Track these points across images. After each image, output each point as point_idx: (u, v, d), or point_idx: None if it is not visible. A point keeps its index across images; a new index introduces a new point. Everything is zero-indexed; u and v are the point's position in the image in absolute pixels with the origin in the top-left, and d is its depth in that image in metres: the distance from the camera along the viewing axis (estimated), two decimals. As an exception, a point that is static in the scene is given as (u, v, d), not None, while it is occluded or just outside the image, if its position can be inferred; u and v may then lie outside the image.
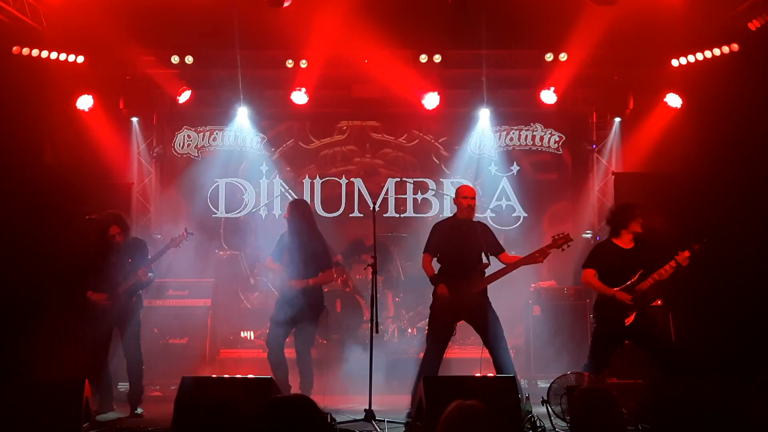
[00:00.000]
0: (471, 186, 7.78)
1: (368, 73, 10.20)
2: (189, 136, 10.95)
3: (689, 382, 6.68)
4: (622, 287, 7.01)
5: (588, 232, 10.33)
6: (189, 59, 9.85)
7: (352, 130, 11.43)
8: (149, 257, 7.76)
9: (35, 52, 9.37)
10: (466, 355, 9.08)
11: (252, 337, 9.92)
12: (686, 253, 6.91)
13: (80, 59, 9.65)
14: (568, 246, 7.38)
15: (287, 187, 10.94)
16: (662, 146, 10.05)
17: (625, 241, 7.20)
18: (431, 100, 10.20)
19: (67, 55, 9.57)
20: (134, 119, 10.50)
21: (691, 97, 9.94)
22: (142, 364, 7.81)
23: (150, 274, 7.73)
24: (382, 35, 9.30)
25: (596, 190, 10.70)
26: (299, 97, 10.12)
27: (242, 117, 10.66)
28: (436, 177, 11.14)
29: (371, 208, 7.82)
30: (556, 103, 10.23)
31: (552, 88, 10.04)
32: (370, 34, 9.20)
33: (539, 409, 6.63)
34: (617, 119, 10.55)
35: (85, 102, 9.85)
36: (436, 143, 11.35)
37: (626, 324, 6.99)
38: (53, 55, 9.48)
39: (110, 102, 10.13)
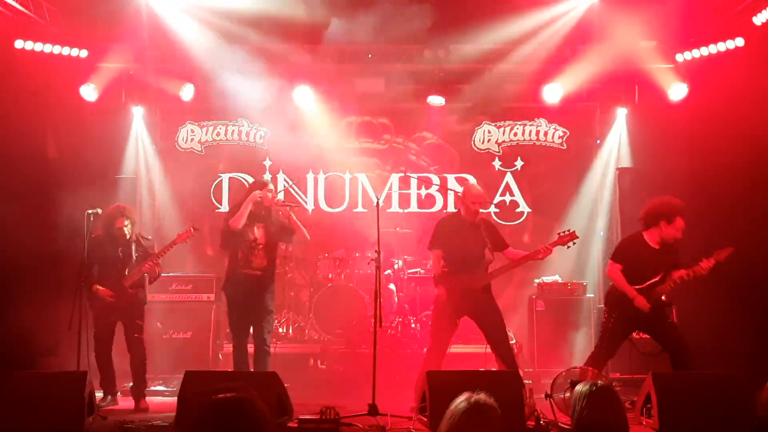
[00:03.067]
0: (479, 189, 7.73)
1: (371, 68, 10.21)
2: (192, 131, 10.93)
3: (693, 376, 6.68)
4: (641, 287, 6.99)
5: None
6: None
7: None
8: (155, 252, 7.78)
9: (38, 47, 9.35)
10: (470, 350, 9.09)
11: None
12: (711, 262, 6.86)
13: (83, 53, 9.63)
14: (574, 243, 7.38)
15: (291, 182, 10.92)
16: (666, 142, 10.02)
17: (654, 240, 7.15)
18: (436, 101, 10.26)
19: (71, 49, 9.54)
20: (138, 114, 10.49)
21: (696, 92, 9.91)
22: (146, 358, 7.82)
23: (156, 269, 7.76)
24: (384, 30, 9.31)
25: (600, 185, 10.67)
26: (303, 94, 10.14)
27: (247, 110, 10.65)
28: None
29: (375, 203, 7.81)
30: (560, 98, 10.21)
31: (557, 84, 10.02)
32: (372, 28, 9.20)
33: (543, 404, 6.62)
34: (621, 114, 10.52)
35: (88, 91, 9.78)
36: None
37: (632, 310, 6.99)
38: (56, 50, 9.44)
39: (113, 96, 10.12)
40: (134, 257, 7.67)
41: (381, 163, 11.22)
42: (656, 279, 7.00)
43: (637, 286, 7.03)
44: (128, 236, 7.67)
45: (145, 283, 7.85)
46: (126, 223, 7.64)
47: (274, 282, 8.00)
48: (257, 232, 7.76)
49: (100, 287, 7.57)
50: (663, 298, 7.12)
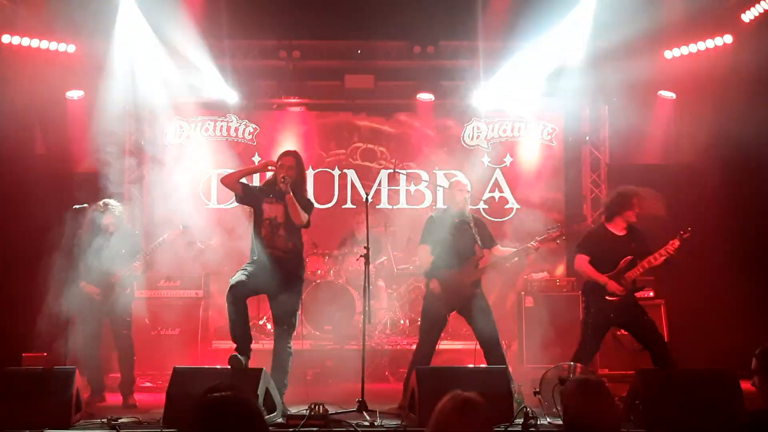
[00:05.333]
0: (464, 179, 7.78)
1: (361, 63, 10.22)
2: (181, 127, 10.89)
3: (681, 372, 6.70)
4: (611, 274, 7.03)
5: None
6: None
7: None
8: (143, 250, 7.74)
9: (26, 41, 9.30)
10: (459, 346, 9.10)
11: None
12: (676, 242, 6.92)
13: (71, 48, 9.58)
14: (563, 239, 7.40)
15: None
16: (655, 138, 10.06)
17: (618, 228, 7.21)
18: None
19: (58, 44, 9.49)
20: (126, 109, 10.43)
21: (684, 89, 9.94)
22: (134, 354, 7.79)
23: (142, 266, 7.73)
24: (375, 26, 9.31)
25: (589, 181, 10.70)
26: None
27: (233, 106, 10.64)
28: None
29: (364, 200, 7.80)
30: (549, 95, 10.25)
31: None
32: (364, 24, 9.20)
33: (531, 400, 6.62)
34: (610, 111, 10.54)
35: (76, 95, 9.75)
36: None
37: (609, 300, 7.02)
38: (44, 45, 9.40)
39: (101, 91, 10.05)
40: (122, 252, 7.63)
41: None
42: (623, 265, 7.03)
43: (607, 274, 7.07)
44: (115, 232, 7.63)
45: (133, 280, 7.81)
46: (112, 218, 7.60)
47: (301, 269, 7.14)
48: (276, 209, 6.95)
49: (87, 284, 7.53)
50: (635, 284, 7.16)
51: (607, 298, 7.06)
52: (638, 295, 7.30)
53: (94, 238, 7.60)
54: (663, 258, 6.97)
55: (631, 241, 7.16)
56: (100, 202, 7.75)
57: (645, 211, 7.19)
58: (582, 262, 7.24)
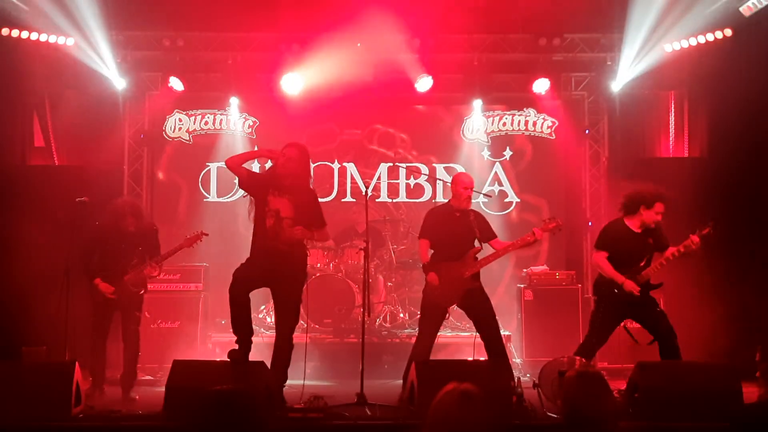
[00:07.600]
0: (469, 175, 7.75)
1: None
2: (180, 120, 10.86)
3: (679, 366, 6.72)
4: (629, 275, 7.01)
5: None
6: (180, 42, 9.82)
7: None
8: (161, 254, 7.75)
9: (24, 34, 9.27)
10: (458, 339, 9.12)
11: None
12: (695, 239, 6.92)
13: (70, 41, 9.55)
14: (559, 230, 7.41)
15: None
16: (655, 132, 10.05)
17: (636, 224, 7.19)
18: (424, 84, 10.20)
19: (57, 38, 9.46)
20: (125, 102, 10.40)
21: (684, 83, 9.92)
22: (139, 349, 7.79)
23: (156, 271, 7.75)
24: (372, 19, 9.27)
25: (589, 175, 10.68)
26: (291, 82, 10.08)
27: (234, 100, 10.63)
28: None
29: (363, 193, 7.80)
30: (549, 88, 10.23)
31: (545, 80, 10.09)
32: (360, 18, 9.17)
33: (531, 393, 6.64)
34: (611, 104, 10.53)
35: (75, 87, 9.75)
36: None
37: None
38: (42, 37, 9.37)
39: (100, 85, 10.04)
40: (137, 251, 7.62)
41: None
42: (642, 263, 7.05)
43: (624, 272, 7.06)
44: (133, 231, 7.61)
45: (146, 281, 7.81)
46: (132, 219, 7.59)
47: (305, 263, 7.06)
48: (281, 202, 6.82)
49: (102, 282, 7.52)
50: (651, 281, 7.16)
51: (619, 294, 7.06)
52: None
53: (112, 234, 7.59)
54: (681, 255, 6.99)
55: (648, 238, 7.16)
56: (123, 201, 7.77)
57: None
58: (601, 258, 7.24)
